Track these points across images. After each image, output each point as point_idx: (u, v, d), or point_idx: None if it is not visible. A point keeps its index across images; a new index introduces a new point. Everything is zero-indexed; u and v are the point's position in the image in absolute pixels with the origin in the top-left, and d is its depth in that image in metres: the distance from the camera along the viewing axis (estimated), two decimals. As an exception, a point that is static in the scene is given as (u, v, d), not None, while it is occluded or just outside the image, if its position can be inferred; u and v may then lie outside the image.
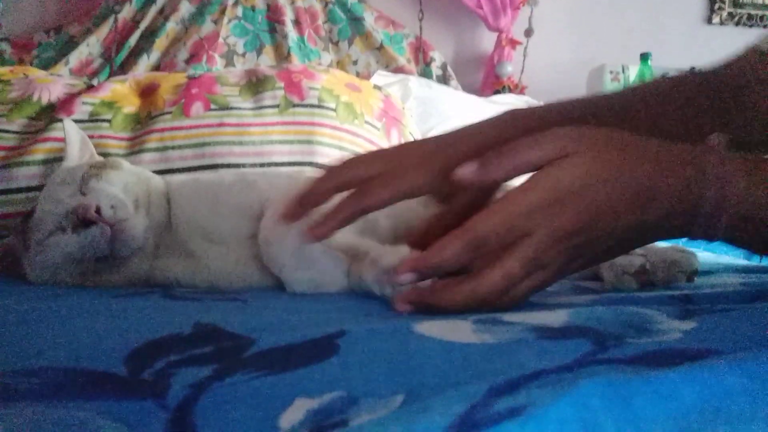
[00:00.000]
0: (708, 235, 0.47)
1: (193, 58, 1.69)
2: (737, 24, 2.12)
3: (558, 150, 0.45)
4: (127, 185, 0.68)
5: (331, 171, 0.55)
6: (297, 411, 0.29)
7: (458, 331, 0.40)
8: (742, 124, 0.61)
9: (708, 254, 0.95)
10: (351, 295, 0.56)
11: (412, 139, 1.28)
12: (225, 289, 0.65)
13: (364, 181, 0.53)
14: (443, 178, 0.51)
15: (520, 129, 0.55)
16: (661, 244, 0.74)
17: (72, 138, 0.78)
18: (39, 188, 0.92)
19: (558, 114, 0.60)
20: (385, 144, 1.19)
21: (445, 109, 1.55)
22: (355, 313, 0.48)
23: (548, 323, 0.42)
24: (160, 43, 1.71)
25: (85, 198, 0.64)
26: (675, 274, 0.62)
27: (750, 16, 2.11)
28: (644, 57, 1.76)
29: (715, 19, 2.12)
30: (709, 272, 0.73)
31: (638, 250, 0.63)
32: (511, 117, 0.59)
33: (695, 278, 0.64)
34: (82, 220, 0.62)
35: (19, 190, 0.96)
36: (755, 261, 1.49)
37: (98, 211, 0.62)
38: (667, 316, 0.45)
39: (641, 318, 0.44)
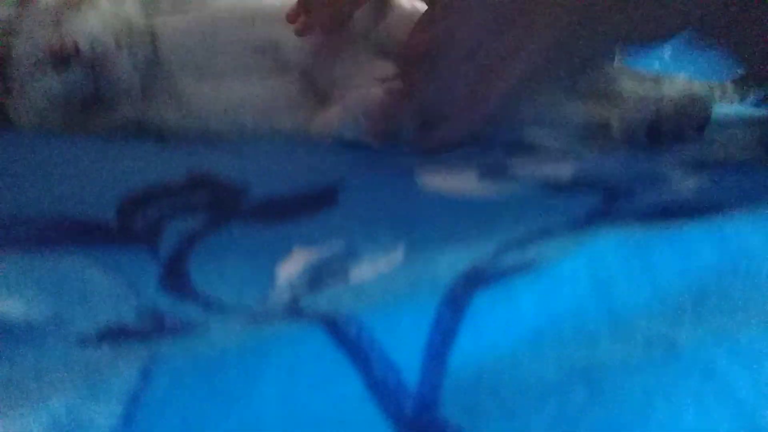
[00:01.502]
0: None
1: None
2: None
3: None
4: (105, 21, 0.64)
5: None
6: (295, 261, 0.28)
7: (463, 182, 0.39)
8: None
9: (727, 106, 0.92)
10: (349, 145, 0.54)
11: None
12: (217, 134, 0.63)
13: None
14: None
15: None
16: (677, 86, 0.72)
17: None
18: (12, 24, 0.86)
19: None
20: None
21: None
22: (355, 162, 0.46)
23: (555, 176, 0.41)
24: None
25: (62, 36, 0.60)
26: (684, 125, 0.60)
27: None
28: None
29: None
30: (726, 125, 0.71)
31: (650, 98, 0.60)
32: None
33: (705, 128, 0.61)
34: (61, 59, 0.59)
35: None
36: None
37: (77, 48, 0.59)
38: (679, 170, 0.43)
39: (652, 171, 0.43)
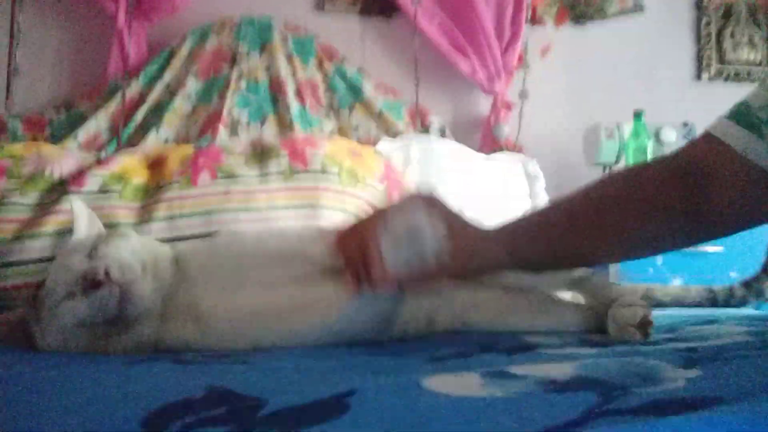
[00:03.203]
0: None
1: (201, 133, 1.75)
2: (726, 80, 2.19)
3: None
4: (134, 250, 0.71)
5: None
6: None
7: (466, 385, 0.41)
8: (708, 211, 0.65)
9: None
10: (359, 353, 0.57)
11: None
12: (232, 349, 0.66)
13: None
14: None
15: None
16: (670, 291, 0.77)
17: (79, 214, 0.81)
18: (51, 259, 0.94)
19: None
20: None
21: (446, 165, 1.60)
22: (364, 370, 0.48)
23: (555, 376, 0.43)
24: (169, 119, 1.76)
25: (94, 262, 0.66)
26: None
27: (737, 72, 2.18)
28: (637, 115, 1.81)
29: (704, 76, 2.19)
30: (714, 321, 0.74)
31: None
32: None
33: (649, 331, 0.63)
34: (92, 283, 0.64)
35: (32, 262, 0.98)
36: (765, 308, 1.48)
37: (107, 273, 0.64)
38: (672, 366, 0.45)
39: (646, 368, 0.45)
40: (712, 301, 0.90)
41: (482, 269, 0.68)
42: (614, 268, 1.68)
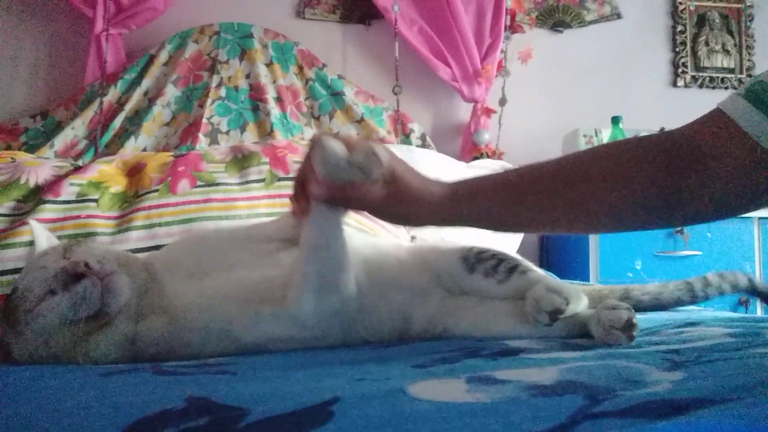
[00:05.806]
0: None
1: (181, 141, 1.73)
2: (700, 86, 2.23)
3: None
4: (108, 250, 0.73)
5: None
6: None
7: (452, 391, 0.41)
8: (699, 193, 0.61)
9: (695, 308, 0.97)
10: (343, 360, 0.56)
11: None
12: (203, 343, 0.67)
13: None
14: None
15: None
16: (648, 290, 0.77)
17: (39, 235, 0.82)
18: (25, 270, 0.92)
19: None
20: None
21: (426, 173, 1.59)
22: (348, 378, 0.48)
23: (540, 380, 0.43)
24: (148, 127, 1.75)
25: (72, 258, 0.67)
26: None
27: (711, 79, 2.22)
28: (615, 120, 1.83)
29: (680, 83, 2.22)
30: (695, 323, 0.74)
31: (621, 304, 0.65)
32: None
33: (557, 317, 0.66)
34: (73, 276, 0.64)
35: (6, 273, 0.95)
36: (741, 311, 1.50)
37: (87, 266, 0.65)
38: (656, 368, 0.46)
39: (631, 371, 0.45)
40: (691, 294, 0.91)
41: (418, 212, 0.67)
42: (594, 272, 1.69)
